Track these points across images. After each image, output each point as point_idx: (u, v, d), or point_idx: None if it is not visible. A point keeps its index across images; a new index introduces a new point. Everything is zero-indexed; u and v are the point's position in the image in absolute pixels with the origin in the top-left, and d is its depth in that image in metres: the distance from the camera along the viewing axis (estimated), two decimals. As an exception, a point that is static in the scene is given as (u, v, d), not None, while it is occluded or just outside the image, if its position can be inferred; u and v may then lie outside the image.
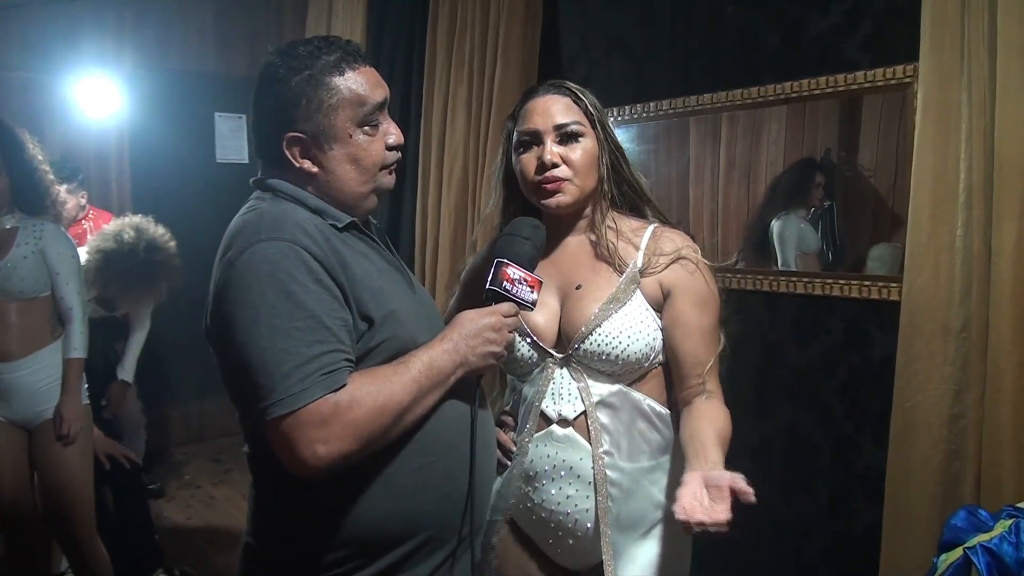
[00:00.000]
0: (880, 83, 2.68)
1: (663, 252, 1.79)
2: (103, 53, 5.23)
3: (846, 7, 2.78)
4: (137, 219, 3.84)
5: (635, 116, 3.48)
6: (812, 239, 3.00)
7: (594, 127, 1.83)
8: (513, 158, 1.87)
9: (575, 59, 3.79)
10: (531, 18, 3.83)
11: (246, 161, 5.83)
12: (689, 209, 3.33)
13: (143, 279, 3.73)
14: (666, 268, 1.78)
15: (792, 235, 3.05)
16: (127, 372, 4.19)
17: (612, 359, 1.74)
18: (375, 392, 1.40)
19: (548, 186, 1.79)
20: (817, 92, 2.86)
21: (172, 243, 3.86)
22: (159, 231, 3.83)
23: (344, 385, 1.38)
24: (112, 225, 3.80)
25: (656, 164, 3.45)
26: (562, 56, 3.85)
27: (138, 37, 5.41)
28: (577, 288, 1.82)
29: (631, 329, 1.74)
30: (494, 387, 2.12)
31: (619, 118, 3.51)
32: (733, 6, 3.13)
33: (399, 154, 1.63)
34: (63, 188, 4.42)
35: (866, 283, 2.78)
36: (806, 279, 2.95)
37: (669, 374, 1.83)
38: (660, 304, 1.79)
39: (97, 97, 5.18)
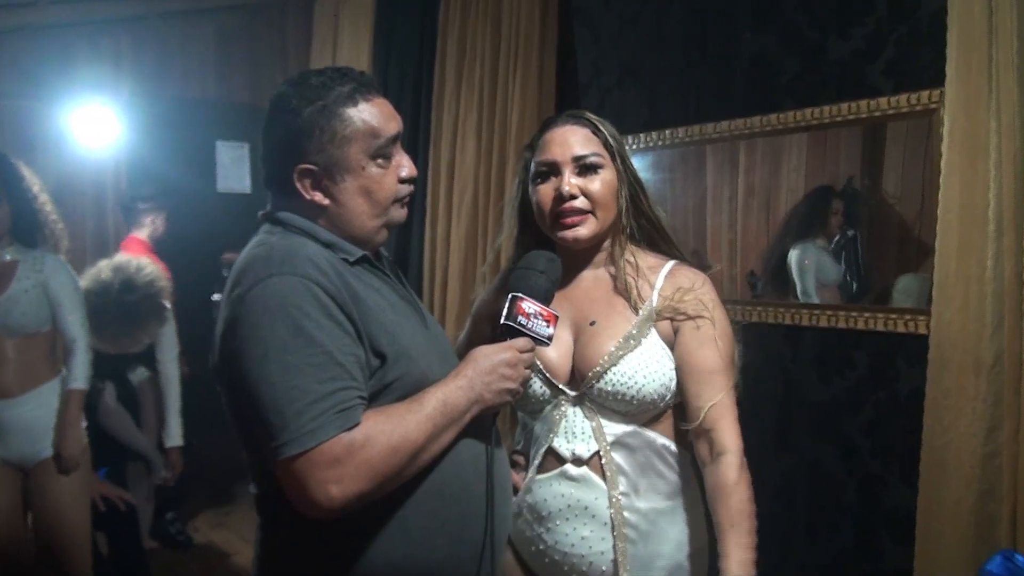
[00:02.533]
0: (904, 109, 2.69)
1: (675, 289, 1.81)
2: (99, 80, 5.25)
3: (867, 31, 2.80)
4: (122, 258, 3.84)
5: (649, 144, 3.50)
6: (833, 270, 3.00)
7: (613, 159, 1.85)
8: (530, 189, 1.89)
9: (587, 86, 3.82)
10: (547, 44, 3.86)
11: (248, 191, 5.84)
12: (706, 239, 3.34)
13: (115, 321, 3.70)
14: (672, 311, 1.80)
15: (811, 265, 3.06)
16: (174, 437, 4.15)
17: (627, 399, 1.75)
18: (389, 431, 1.41)
19: (566, 220, 1.81)
20: (839, 119, 2.87)
21: (157, 284, 3.84)
22: (143, 272, 3.81)
23: (358, 423, 1.38)
24: (101, 262, 3.82)
25: (672, 193, 3.46)
26: (576, 83, 3.87)
27: (136, 63, 5.44)
28: (591, 324, 1.83)
29: (647, 369, 1.75)
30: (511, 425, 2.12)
31: (633, 146, 3.52)
32: (749, 31, 3.16)
33: (411, 187, 1.64)
34: (142, 206, 4.50)
35: (892, 315, 2.78)
36: (829, 312, 2.95)
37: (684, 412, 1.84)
38: (673, 342, 1.80)
39: (93, 125, 5.20)
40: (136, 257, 3.94)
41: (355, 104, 1.53)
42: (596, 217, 1.82)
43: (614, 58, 3.69)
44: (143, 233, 4.75)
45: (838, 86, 2.89)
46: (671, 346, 1.80)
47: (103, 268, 3.74)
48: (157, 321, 3.91)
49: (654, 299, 1.81)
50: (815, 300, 3.03)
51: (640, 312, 1.80)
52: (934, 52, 2.58)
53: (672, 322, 1.80)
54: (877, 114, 2.77)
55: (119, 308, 3.69)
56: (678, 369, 1.78)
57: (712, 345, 1.77)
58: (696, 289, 1.81)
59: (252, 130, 1.62)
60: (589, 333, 1.83)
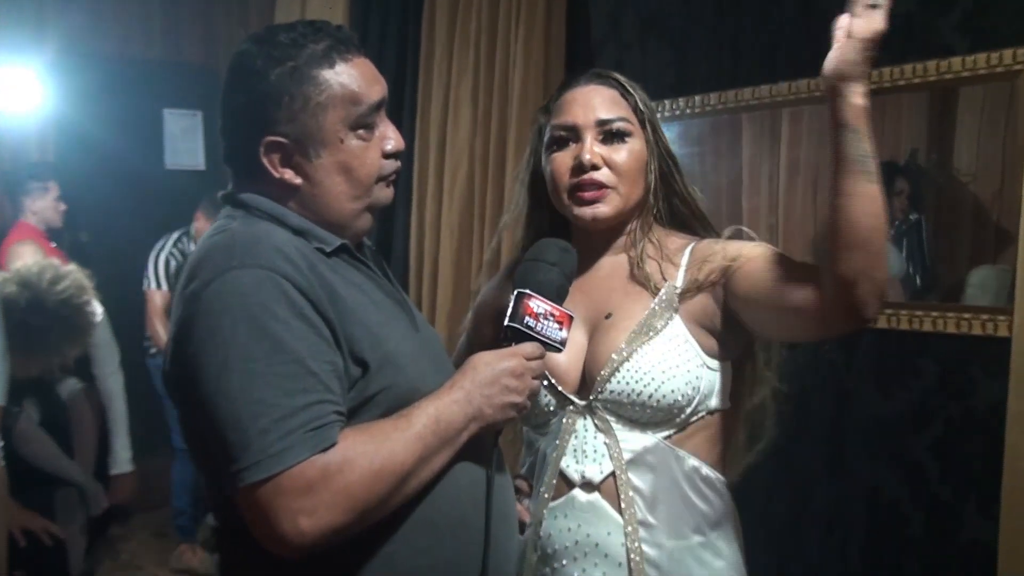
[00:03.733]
0: (982, 71, 2.67)
1: (706, 256, 1.79)
2: (18, 37, 5.24)
3: (938, -23, 2.80)
4: (32, 267, 3.73)
5: (676, 112, 3.49)
6: (895, 261, 2.99)
7: (644, 127, 1.85)
8: (543, 158, 1.88)
9: (603, 42, 3.81)
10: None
11: (202, 167, 5.85)
12: (743, 223, 3.32)
13: (22, 345, 3.62)
14: (713, 268, 1.77)
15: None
16: (123, 462, 4.11)
17: (643, 402, 1.73)
18: (372, 452, 1.40)
19: (586, 194, 1.80)
20: (901, 83, 2.85)
21: (73, 302, 3.70)
22: (55, 288, 3.65)
23: (334, 444, 1.38)
24: (11, 267, 3.76)
25: (702, 170, 3.45)
26: (590, 39, 3.86)
27: (65, 17, 5.43)
28: (607, 318, 1.83)
29: (665, 363, 1.73)
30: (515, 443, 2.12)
31: (657, 115, 3.51)
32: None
33: (398, 163, 1.64)
34: (34, 185, 4.50)
35: (965, 315, 2.77)
36: (889, 311, 2.94)
37: (721, 427, 1.83)
38: (714, 320, 1.77)
39: (12, 89, 5.20)
40: (54, 264, 3.84)
41: (332, 65, 1.52)
42: (620, 193, 1.81)
43: (635, 9, 3.68)
44: (35, 218, 4.77)
45: (901, 43, 2.86)
46: (709, 328, 1.78)
47: (7, 280, 3.61)
48: (72, 346, 3.82)
49: (679, 281, 1.80)
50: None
51: (659, 296, 1.79)
52: (1020, 2, 2.57)
53: (713, 288, 1.77)
54: (948, 77, 2.75)
55: (25, 331, 3.58)
56: (758, 290, 1.70)
57: (768, 250, 1.74)
58: (729, 239, 1.81)
59: (206, 96, 1.62)
60: (603, 328, 1.82)
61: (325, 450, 1.37)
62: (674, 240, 1.88)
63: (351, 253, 1.59)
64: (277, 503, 1.34)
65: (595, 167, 1.79)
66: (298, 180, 1.54)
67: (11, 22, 5.23)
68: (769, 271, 1.69)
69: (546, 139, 1.88)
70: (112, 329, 4.26)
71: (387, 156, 1.60)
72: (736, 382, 1.86)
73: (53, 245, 4.84)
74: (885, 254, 1.57)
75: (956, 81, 2.75)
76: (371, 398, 1.49)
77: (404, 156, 1.65)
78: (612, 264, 1.89)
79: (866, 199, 1.53)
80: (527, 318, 1.58)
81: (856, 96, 1.55)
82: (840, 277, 1.54)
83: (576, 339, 1.81)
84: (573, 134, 1.83)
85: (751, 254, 1.74)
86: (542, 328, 1.59)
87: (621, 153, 1.81)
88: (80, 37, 5.51)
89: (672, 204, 1.90)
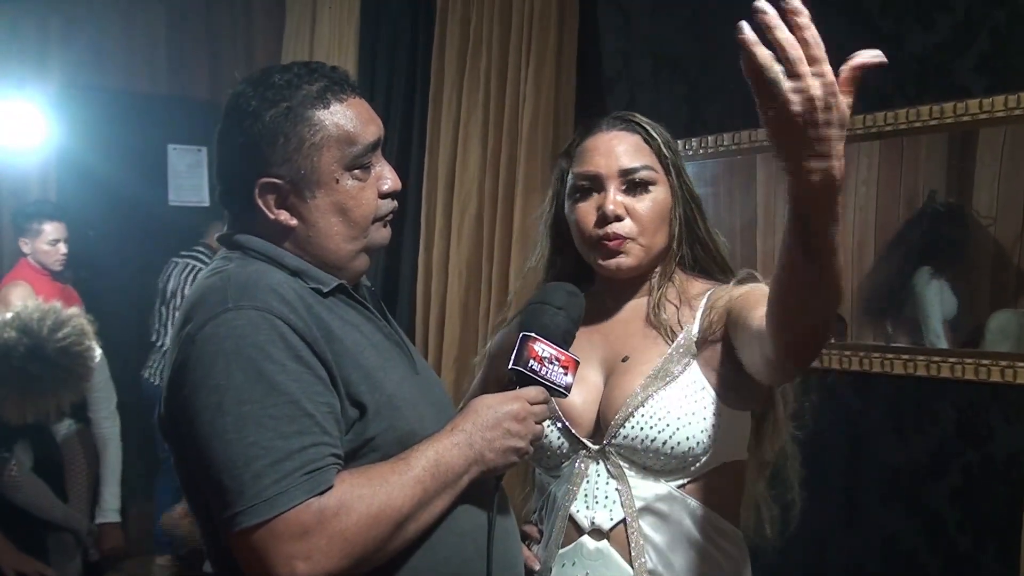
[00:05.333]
0: (1000, 113, 2.68)
1: (715, 301, 1.80)
2: (22, 70, 5.30)
3: (956, 20, 2.80)
4: (33, 312, 3.69)
5: (689, 153, 3.49)
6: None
7: (668, 173, 1.86)
8: (566, 206, 1.90)
9: (614, 79, 3.83)
10: (567, 28, 3.86)
11: (206, 203, 5.87)
12: (758, 267, 3.32)
13: (17, 390, 3.59)
14: (719, 310, 1.77)
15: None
16: (109, 511, 4.13)
17: (656, 449, 1.73)
18: (369, 496, 1.41)
19: (609, 244, 1.81)
20: (918, 125, 2.86)
21: (72, 350, 3.68)
22: (55, 336, 3.64)
23: (331, 487, 1.39)
24: (9, 311, 3.76)
25: (716, 211, 3.44)
26: (601, 76, 3.89)
27: (68, 50, 5.48)
28: (623, 361, 1.83)
29: (680, 410, 1.73)
30: (524, 485, 2.12)
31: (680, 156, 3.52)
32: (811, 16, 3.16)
33: (395, 203, 1.66)
34: (48, 227, 4.48)
35: (984, 361, 2.75)
36: (906, 356, 2.92)
37: (739, 479, 1.83)
38: (730, 366, 1.77)
39: (14, 124, 5.25)
40: (56, 309, 3.81)
41: (326, 105, 1.54)
42: (644, 244, 1.82)
43: (647, 45, 3.70)
44: (40, 258, 4.78)
45: (918, 85, 2.88)
46: (727, 378, 1.77)
47: (6, 324, 3.59)
48: (69, 392, 3.80)
49: (695, 328, 1.81)
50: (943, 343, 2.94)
51: (676, 341, 1.80)
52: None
53: (717, 340, 1.78)
54: (966, 119, 2.76)
55: (22, 376, 3.56)
56: (744, 332, 1.67)
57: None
58: (732, 288, 1.80)
59: (211, 131, 1.63)
60: (619, 371, 1.82)
61: (321, 494, 1.37)
62: (695, 285, 1.89)
63: (348, 293, 1.60)
64: (272, 548, 1.34)
65: (618, 218, 1.80)
66: (294, 221, 1.56)
67: (13, 55, 5.27)
68: (757, 307, 1.63)
69: (568, 186, 1.89)
70: (111, 370, 4.27)
71: (384, 196, 1.62)
72: (758, 432, 1.86)
73: (59, 283, 4.86)
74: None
75: (974, 123, 2.75)
76: (369, 441, 1.49)
77: (413, 194, 1.67)
78: (633, 308, 1.90)
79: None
80: (531, 361, 1.59)
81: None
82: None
83: (593, 382, 1.82)
84: (596, 184, 1.83)
85: (748, 292, 1.74)
86: (547, 372, 1.60)
87: (644, 202, 1.82)
88: (84, 71, 5.54)
89: (695, 251, 1.91)
